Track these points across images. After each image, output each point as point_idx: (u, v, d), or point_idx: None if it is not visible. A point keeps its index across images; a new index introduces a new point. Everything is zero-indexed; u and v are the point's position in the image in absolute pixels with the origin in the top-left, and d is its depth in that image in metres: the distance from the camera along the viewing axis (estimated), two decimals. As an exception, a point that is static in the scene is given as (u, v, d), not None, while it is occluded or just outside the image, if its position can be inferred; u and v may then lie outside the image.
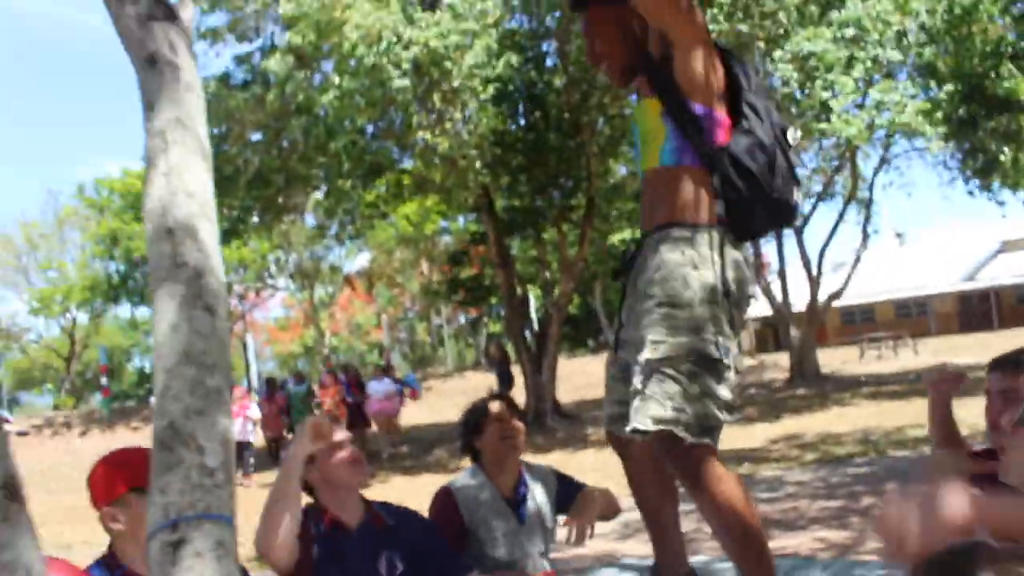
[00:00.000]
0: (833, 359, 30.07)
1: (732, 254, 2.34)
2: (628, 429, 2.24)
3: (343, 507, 2.63)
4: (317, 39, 11.74)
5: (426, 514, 2.95)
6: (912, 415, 12.83)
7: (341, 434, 2.66)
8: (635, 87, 2.53)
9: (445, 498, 3.01)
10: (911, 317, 43.84)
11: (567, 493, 3.14)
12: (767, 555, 2.27)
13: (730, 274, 2.30)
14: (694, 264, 2.27)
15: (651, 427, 2.19)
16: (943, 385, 2.69)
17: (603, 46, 2.52)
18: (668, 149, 2.36)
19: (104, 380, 29.35)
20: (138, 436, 21.80)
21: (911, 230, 55.52)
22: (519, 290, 19.34)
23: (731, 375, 2.30)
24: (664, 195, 2.37)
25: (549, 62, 16.43)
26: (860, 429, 12.31)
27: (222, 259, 1.53)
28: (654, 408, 2.19)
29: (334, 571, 2.52)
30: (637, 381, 2.24)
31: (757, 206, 2.33)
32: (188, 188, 1.49)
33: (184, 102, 1.60)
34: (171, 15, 1.69)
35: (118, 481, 2.20)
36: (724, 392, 2.26)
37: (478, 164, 13.44)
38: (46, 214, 38.73)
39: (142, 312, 41.90)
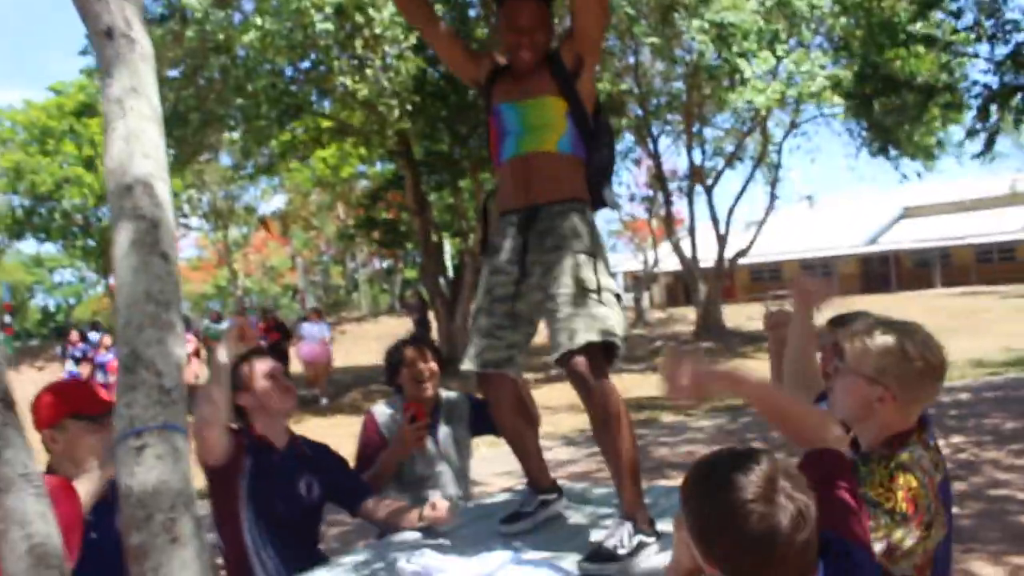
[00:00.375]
0: (740, 315, 30.99)
1: None
2: (577, 343, 2.64)
3: (271, 431, 2.98)
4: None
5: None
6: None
7: (273, 364, 2.96)
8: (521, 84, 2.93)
9: (369, 421, 3.48)
10: (816, 277, 45.35)
11: (486, 417, 3.44)
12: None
13: None
14: (594, 227, 2.86)
15: (598, 338, 2.63)
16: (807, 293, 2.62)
17: (540, 35, 2.89)
18: (566, 141, 2.86)
19: (7, 319, 28.67)
20: (44, 376, 21.34)
21: (820, 194, 57.28)
22: (435, 237, 19.54)
23: None
24: (561, 175, 2.87)
25: (472, 13, 16.51)
26: (756, 381, 12.94)
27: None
28: (599, 324, 2.65)
29: (262, 484, 2.86)
30: (569, 308, 2.68)
31: (600, 199, 2.98)
32: (145, 150, 1.73)
33: (139, 72, 1.82)
34: (126, -9, 1.89)
35: (59, 408, 2.49)
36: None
37: (396, 112, 13.54)
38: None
39: (47, 249, 40.91)
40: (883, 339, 1.98)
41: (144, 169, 1.72)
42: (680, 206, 29.62)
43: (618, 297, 2.79)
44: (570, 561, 2.44)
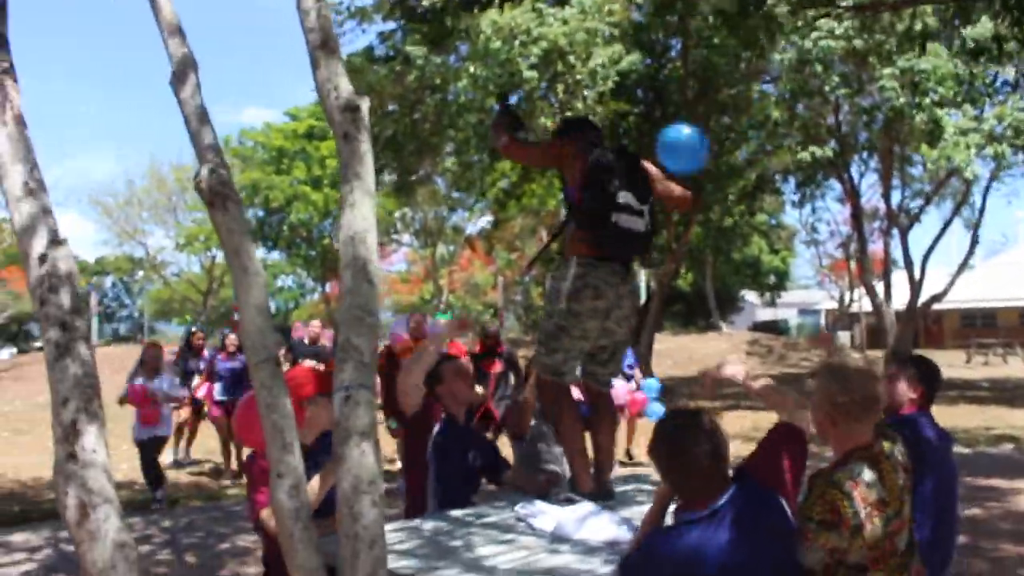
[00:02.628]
0: (940, 360, 29.89)
1: None
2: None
3: (456, 412, 4.19)
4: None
5: None
6: (981, 419, 13.44)
7: (466, 366, 4.26)
8: None
9: None
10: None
11: None
12: None
13: None
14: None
15: None
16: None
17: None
18: None
19: (236, 315, 31.44)
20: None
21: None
22: (626, 266, 20.39)
23: None
24: None
25: (673, 53, 17.32)
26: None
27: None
28: None
29: (445, 442, 4.01)
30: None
31: None
32: (363, 214, 2.74)
33: (363, 163, 2.84)
34: (357, 108, 2.93)
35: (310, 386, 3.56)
36: None
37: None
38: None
39: (273, 256, 44.79)
40: (821, 381, 2.76)
41: (362, 227, 2.73)
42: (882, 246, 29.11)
43: None
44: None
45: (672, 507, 2.56)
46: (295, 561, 2.38)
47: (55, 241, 2.57)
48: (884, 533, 2.63)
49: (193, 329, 12.70)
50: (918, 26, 14.30)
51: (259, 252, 39.79)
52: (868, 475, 2.65)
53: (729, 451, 2.46)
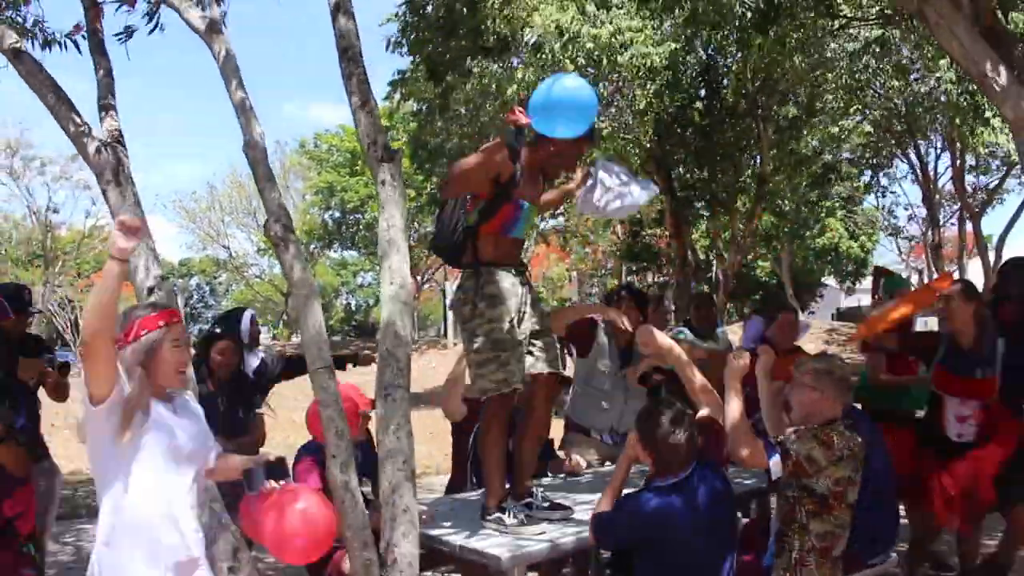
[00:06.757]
0: None
1: None
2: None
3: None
4: (510, 33, 13.44)
5: None
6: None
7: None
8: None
9: None
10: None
11: None
12: None
13: None
14: None
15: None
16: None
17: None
18: None
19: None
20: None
21: None
22: (693, 257, 20.77)
23: None
24: None
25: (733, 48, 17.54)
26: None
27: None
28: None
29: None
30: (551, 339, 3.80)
31: None
32: (398, 246, 3.39)
33: (397, 204, 3.49)
34: (391, 158, 3.57)
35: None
36: None
37: (645, 142, 15.13)
38: (273, 163, 42.33)
39: (350, 255, 45.70)
40: (817, 363, 3.52)
41: (397, 256, 3.39)
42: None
43: None
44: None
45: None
46: (346, 521, 3.05)
47: (158, 275, 3.28)
48: (846, 476, 3.37)
49: None
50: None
51: (336, 252, 40.44)
52: (834, 441, 3.40)
53: (697, 437, 3.23)
